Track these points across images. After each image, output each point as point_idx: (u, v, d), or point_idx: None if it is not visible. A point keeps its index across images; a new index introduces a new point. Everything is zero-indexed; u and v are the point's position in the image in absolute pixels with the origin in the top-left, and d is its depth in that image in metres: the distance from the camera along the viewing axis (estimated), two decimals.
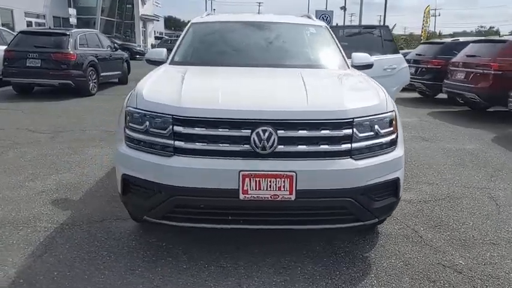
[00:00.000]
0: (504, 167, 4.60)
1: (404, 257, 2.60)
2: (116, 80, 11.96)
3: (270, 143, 2.13)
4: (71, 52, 9.03)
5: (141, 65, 13.87)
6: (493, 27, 76.82)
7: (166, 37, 37.26)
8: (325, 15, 36.16)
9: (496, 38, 9.40)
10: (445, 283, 2.32)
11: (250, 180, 2.11)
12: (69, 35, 9.23)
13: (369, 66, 3.57)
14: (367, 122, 2.27)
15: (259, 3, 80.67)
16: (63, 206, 3.29)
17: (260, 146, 2.13)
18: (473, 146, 5.57)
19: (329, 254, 2.60)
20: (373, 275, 2.38)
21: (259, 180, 2.12)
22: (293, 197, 2.13)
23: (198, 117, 2.19)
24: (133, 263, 2.46)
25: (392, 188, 2.38)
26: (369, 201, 2.27)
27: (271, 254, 2.56)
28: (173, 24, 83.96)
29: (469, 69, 7.85)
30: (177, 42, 3.59)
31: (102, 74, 10.31)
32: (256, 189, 2.12)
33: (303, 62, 3.40)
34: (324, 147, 2.19)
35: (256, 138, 2.13)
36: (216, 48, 3.54)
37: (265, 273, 2.37)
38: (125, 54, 12.55)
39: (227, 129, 2.17)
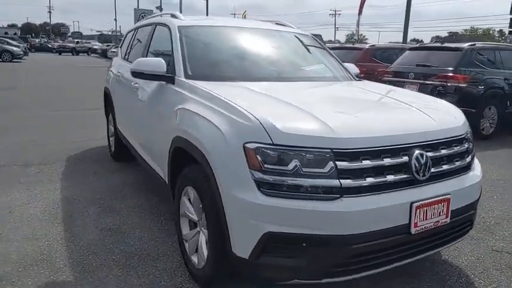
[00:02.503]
0: None
1: (466, 251, 2.85)
2: None
3: (427, 167, 2.00)
4: None
5: None
6: None
7: None
8: (144, 14, 34.89)
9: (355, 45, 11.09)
10: None
11: (419, 211, 1.93)
12: None
13: (357, 77, 3.70)
14: (469, 134, 2.40)
15: None
16: None
17: (421, 171, 1.97)
18: None
19: (428, 270, 2.58)
20: (472, 275, 2.54)
21: (426, 210, 1.96)
22: (448, 220, 2.06)
23: (361, 149, 1.85)
24: None
25: None
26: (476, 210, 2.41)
27: None
28: None
29: None
30: (178, 51, 2.84)
31: None
32: (423, 220, 1.95)
33: (334, 74, 3.28)
34: (458, 163, 2.19)
35: (416, 164, 1.96)
36: (242, 59, 2.99)
37: None
38: None
39: (389, 158, 1.91)
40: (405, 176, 1.94)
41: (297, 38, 3.50)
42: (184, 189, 2.39)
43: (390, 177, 1.90)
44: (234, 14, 28.77)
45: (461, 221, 2.21)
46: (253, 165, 1.80)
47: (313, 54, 3.50)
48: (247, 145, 1.82)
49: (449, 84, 6.48)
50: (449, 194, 2.04)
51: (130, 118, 3.65)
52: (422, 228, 1.96)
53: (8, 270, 2.43)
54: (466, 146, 2.28)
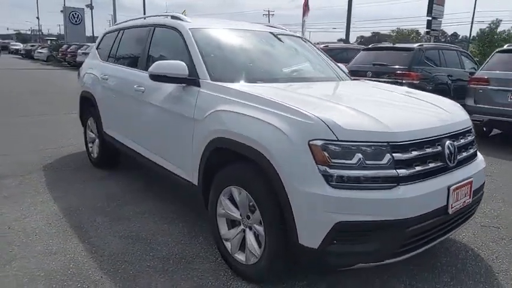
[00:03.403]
0: None
1: (462, 229, 3.18)
2: None
3: (455, 155, 2.27)
4: None
5: None
6: None
7: None
8: (75, 13, 32.86)
9: None
10: None
11: (454, 193, 2.20)
12: None
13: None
14: (472, 125, 2.74)
15: None
16: None
17: (452, 158, 2.24)
18: None
19: (439, 248, 2.84)
20: (476, 248, 2.90)
21: (458, 192, 2.23)
22: (471, 200, 2.36)
23: (410, 141, 2.07)
24: None
25: None
26: None
27: (416, 280, 2.52)
28: None
29: None
30: (197, 54, 2.84)
31: None
32: (456, 201, 2.22)
33: (339, 74, 3.47)
34: (471, 151, 2.51)
35: (448, 152, 2.22)
36: (260, 61, 3.08)
37: None
38: None
39: (430, 148, 2.15)
40: (440, 163, 2.20)
41: (300, 40, 3.68)
42: (224, 190, 2.43)
43: (431, 165, 2.14)
44: (166, 13, 27.97)
45: (476, 201, 2.53)
46: (320, 160, 1.93)
47: (318, 55, 3.69)
48: (313, 142, 1.94)
49: (404, 82, 7.06)
50: (471, 178, 2.34)
51: (134, 122, 3.54)
52: (456, 208, 2.23)
53: None
54: (473, 135, 2.61)
